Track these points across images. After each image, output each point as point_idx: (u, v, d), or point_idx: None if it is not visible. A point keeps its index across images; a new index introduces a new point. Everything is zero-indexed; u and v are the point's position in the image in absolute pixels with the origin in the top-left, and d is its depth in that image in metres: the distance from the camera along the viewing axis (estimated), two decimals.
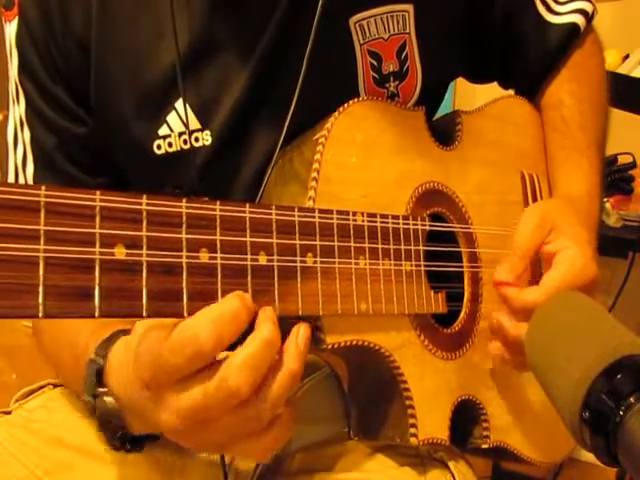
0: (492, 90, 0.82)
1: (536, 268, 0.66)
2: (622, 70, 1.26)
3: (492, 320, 0.61)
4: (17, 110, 0.64)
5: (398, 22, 0.65)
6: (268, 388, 0.42)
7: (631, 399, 0.34)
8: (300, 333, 0.44)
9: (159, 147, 0.61)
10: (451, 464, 0.64)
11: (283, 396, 0.43)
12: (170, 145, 0.61)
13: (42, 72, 0.62)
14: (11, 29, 0.63)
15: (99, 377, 0.48)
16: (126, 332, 0.49)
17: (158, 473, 0.63)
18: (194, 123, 0.61)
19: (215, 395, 0.40)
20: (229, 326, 0.40)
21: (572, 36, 0.74)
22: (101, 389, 0.48)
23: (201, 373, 0.40)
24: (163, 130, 0.61)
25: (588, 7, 0.75)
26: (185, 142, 0.61)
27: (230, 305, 0.40)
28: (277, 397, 0.42)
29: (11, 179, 0.66)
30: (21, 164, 0.65)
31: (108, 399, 0.48)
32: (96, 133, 0.63)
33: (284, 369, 0.42)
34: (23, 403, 0.67)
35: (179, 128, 0.61)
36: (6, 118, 0.67)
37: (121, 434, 0.49)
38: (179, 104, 0.60)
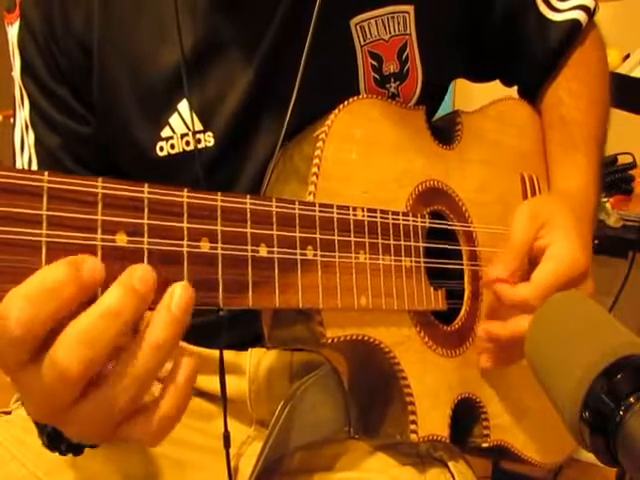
0: (490, 90, 0.82)
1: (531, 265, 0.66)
2: (622, 70, 1.27)
3: (480, 333, 0.63)
4: (22, 114, 0.65)
5: (399, 23, 0.65)
6: (125, 364, 0.35)
7: (631, 399, 0.34)
8: (175, 295, 0.36)
9: (161, 149, 0.61)
10: (451, 464, 0.64)
11: (148, 371, 0.35)
12: (172, 147, 0.61)
13: (44, 73, 0.62)
14: (13, 31, 0.63)
15: None
16: None
17: (159, 470, 0.63)
18: (196, 124, 0.61)
19: (47, 379, 0.34)
20: (45, 305, 0.32)
21: (573, 33, 0.74)
22: None
23: (33, 355, 0.34)
24: (165, 132, 0.61)
25: (589, 3, 0.75)
26: (187, 144, 0.61)
27: (50, 276, 0.32)
28: (140, 373, 0.35)
29: None
30: (27, 166, 0.65)
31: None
32: (100, 133, 0.64)
33: (147, 340, 0.35)
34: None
35: (181, 130, 0.61)
36: (6, 119, 0.68)
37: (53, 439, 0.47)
38: (181, 106, 0.61)
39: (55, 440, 0.47)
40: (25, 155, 0.65)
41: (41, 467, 0.61)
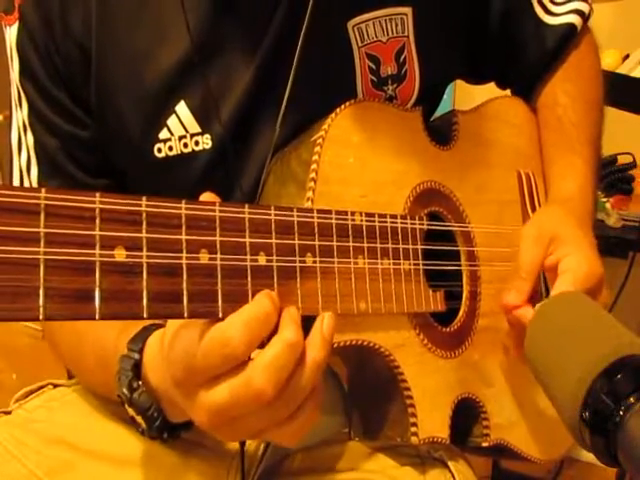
0: (491, 91, 0.82)
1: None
2: (622, 70, 1.26)
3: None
4: (20, 115, 0.64)
5: (397, 25, 0.65)
6: (294, 383, 0.42)
7: (631, 399, 0.34)
8: (325, 322, 0.45)
9: (159, 150, 0.61)
10: (451, 464, 0.64)
11: (309, 387, 0.43)
12: (170, 149, 0.61)
13: (43, 76, 0.62)
14: (11, 33, 0.62)
15: (136, 371, 0.49)
16: (158, 326, 0.50)
17: (160, 473, 0.63)
18: (194, 127, 0.61)
19: (241, 396, 0.41)
20: (260, 329, 0.41)
21: (569, 36, 0.75)
22: (138, 382, 0.49)
23: (229, 373, 0.41)
24: (163, 134, 0.61)
25: (584, 7, 0.76)
26: (185, 146, 0.61)
27: (262, 307, 0.41)
28: (303, 389, 0.43)
29: (16, 183, 0.66)
30: (25, 168, 0.65)
31: (145, 391, 0.49)
32: (98, 136, 0.63)
33: (309, 360, 0.43)
34: (23, 403, 0.67)
35: (179, 132, 0.61)
36: (6, 119, 0.67)
37: (159, 423, 0.50)
38: (179, 107, 0.60)
39: (160, 430, 0.51)
40: (23, 155, 0.65)
41: (41, 467, 0.61)
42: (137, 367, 0.49)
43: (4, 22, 0.63)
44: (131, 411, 0.50)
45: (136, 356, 0.49)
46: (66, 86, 0.62)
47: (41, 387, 0.69)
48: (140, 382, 0.49)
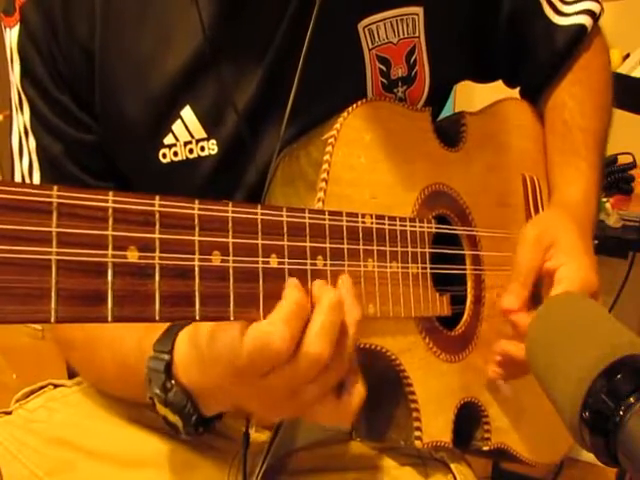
0: (491, 92, 0.82)
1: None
2: (622, 70, 1.26)
3: (497, 349, 0.63)
4: (21, 119, 0.63)
5: (408, 25, 0.64)
6: (342, 341, 0.44)
7: (631, 399, 0.34)
8: (344, 283, 0.47)
9: (164, 156, 0.60)
10: (453, 466, 0.65)
11: (352, 342, 0.45)
12: (175, 154, 0.60)
13: (46, 79, 0.60)
14: (12, 35, 0.61)
15: (168, 372, 0.49)
16: (182, 326, 0.51)
17: (161, 472, 0.63)
18: (200, 132, 0.60)
19: (301, 367, 0.43)
20: (298, 321, 0.42)
21: (579, 37, 0.74)
22: (172, 382, 0.49)
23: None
24: (168, 139, 0.60)
25: (595, 7, 0.75)
26: (191, 151, 0.60)
27: (294, 300, 0.42)
28: (348, 346, 0.45)
29: None
30: (27, 173, 0.64)
31: (179, 390, 0.49)
32: (103, 139, 0.62)
33: (349, 319, 0.45)
34: (24, 403, 0.66)
35: (185, 137, 0.60)
36: (6, 118, 0.66)
37: (195, 419, 0.50)
38: (185, 112, 0.59)
39: (196, 425, 0.52)
40: (25, 160, 0.63)
41: (41, 467, 0.61)
42: (168, 368, 0.49)
43: (4, 24, 0.62)
44: (165, 411, 0.50)
45: (166, 357, 0.49)
46: (70, 89, 0.60)
47: (41, 387, 0.68)
48: (173, 382, 0.49)
